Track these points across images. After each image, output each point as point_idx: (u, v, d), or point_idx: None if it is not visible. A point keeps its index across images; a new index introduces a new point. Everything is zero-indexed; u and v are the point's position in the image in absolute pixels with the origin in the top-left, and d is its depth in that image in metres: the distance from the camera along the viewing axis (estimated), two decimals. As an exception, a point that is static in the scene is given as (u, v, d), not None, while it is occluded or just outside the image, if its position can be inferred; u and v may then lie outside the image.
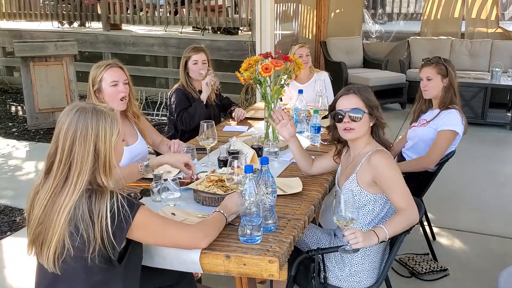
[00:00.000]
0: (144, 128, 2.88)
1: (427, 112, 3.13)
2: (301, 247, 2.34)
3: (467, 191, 4.40)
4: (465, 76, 6.52)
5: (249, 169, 1.87)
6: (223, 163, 2.54)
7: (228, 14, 7.66)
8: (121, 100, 2.64)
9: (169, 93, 3.66)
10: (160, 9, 8.14)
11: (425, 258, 3.18)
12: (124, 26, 8.80)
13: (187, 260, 1.77)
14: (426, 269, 3.06)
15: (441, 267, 3.10)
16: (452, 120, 2.94)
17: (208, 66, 3.60)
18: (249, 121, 3.67)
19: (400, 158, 3.21)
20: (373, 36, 8.80)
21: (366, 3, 9.15)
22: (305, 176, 2.49)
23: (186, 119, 3.45)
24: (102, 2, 8.27)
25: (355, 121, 2.12)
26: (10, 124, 6.68)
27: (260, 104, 4.36)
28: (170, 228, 1.68)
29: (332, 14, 8.34)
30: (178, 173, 2.44)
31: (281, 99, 3.48)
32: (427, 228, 3.35)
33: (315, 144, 3.01)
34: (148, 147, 2.95)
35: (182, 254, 1.77)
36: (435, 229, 3.56)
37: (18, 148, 5.68)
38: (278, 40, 6.63)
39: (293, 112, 3.33)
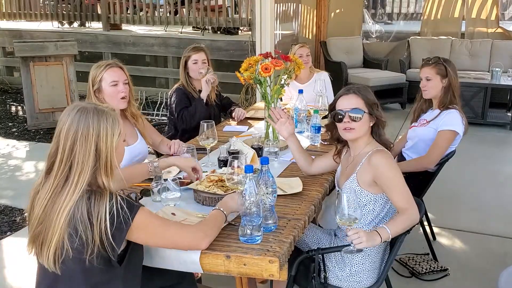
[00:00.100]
0: (144, 128, 2.88)
1: (427, 112, 3.13)
2: (301, 247, 2.34)
3: (467, 191, 4.40)
4: (465, 76, 6.52)
5: (249, 169, 1.87)
6: (223, 163, 2.54)
7: (228, 14, 7.66)
8: (121, 99, 2.64)
9: (169, 93, 3.66)
10: (160, 9, 8.14)
11: (425, 258, 3.18)
12: (124, 26, 8.80)
13: (187, 260, 1.77)
14: (426, 269, 3.06)
15: (441, 267, 3.10)
16: (452, 120, 2.94)
17: (208, 65, 3.60)
18: (249, 121, 3.67)
19: (400, 158, 3.21)
20: (373, 36, 8.80)
21: (366, 3, 9.15)
22: (305, 176, 2.49)
23: (186, 118, 3.45)
24: (102, 2, 8.28)
25: (355, 121, 2.12)
26: (10, 124, 6.68)
27: (260, 104, 4.36)
28: (170, 229, 1.67)
29: (332, 14, 8.34)
30: (178, 173, 2.44)
31: (281, 99, 3.48)
32: (427, 228, 3.35)
33: (315, 144, 3.01)
34: (148, 147, 2.95)
35: (182, 254, 1.77)
36: (435, 229, 3.56)
37: (18, 148, 5.68)
38: (278, 40, 6.63)
39: (293, 112, 3.33)
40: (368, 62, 7.86)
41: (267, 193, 1.91)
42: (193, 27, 8.63)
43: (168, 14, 7.99)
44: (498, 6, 7.89)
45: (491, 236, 3.58)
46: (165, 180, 2.13)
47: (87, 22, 8.97)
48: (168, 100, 3.63)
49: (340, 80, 7.00)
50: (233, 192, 2.12)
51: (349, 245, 1.91)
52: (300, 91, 3.36)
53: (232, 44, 7.22)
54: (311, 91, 3.74)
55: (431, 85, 3.03)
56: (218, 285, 2.68)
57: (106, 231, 1.48)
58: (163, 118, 6.39)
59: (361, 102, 2.13)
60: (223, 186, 2.21)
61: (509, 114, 6.73)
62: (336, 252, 2.17)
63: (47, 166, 1.58)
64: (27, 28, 8.74)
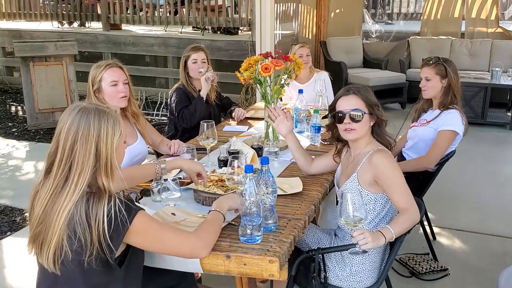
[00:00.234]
0: (143, 128, 2.88)
1: (427, 112, 3.13)
2: (302, 247, 2.34)
3: (467, 191, 4.40)
4: (465, 76, 6.52)
5: (249, 169, 1.87)
6: (223, 163, 2.54)
7: (228, 14, 7.66)
8: (121, 98, 2.64)
9: (169, 93, 3.66)
10: (160, 9, 8.14)
11: (425, 258, 3.18)
12: (124, 26, 8.81)
13: (188, 260, 1.77)
14: (426, 269, 3.06)
15: (441, 267, 3.10)
16: (453, 120, 2.94)
17: (208, 65, 3.61)
18: (249, 121, 3.68)
19: (400, 157, 3.21)
20: (373, 36, 8.81)
21: (366, 3, 9.15)
22: (306, 176, 2.49)
23: (186, 116, 3.45)
24: (102, 2, 8.28)
25: (355, 121, 2.12)
26: (10, 124, 6.68)
27: (260, 104, 4.36)
28: (169, 235, 1.63)
29: (332, 14, 8.34)
30: (178, 173, 2.44)
31: (281, 99, 3.48)
32: (427, 228, 3.35)
33: (315, 144, 3.01)
34: (148, 147, 2.95)
35: (182, 254, 1.76)
36: (435, 229, 3.56)
37: (18, 148, 5.68)
38: (278, 40, 6.63)
39: (293, 112, 3.33)
40: (368, 62, 7.86)
41: (267, 193, 1.91)
42: (193, 27, 8.63)
43: (168, 14, 7.99)
44: (498, 6, 7.89)
45: (491, 236, 3.58)
46: (165, 180, 2.12)
47: (87, 22, 8.97)
48: (168, 100, 3.64)
49: (340, 80, 7.00)
50: (232, 192, 2.12)
51: (353, 245, 1.90)
52: (300, 91, 3.36)
53: (232, 44, 7.22)
54: (311, 91, 3.74)
55: (431, 85, 3.03)
56: (218, 285, 2.68)
57: (104, 233, 1.47)
58: (163, 118, 6.39)
59: (361, 102, 2.13)
60: (223, 186, 2.21)
61: (509, 114, 6.73)
62: (336, 252, 2.17)
63: (47, 166, 1.57)
64: (27, 28, 8.74)
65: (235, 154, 2.44)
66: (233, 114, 3.71)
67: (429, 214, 3.45)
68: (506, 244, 3.48)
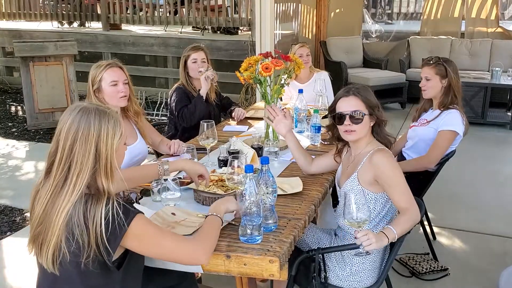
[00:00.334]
0: (143, 127, 2.88)
1: (428, 112, 3.13)
2: (302, 247, 2.34)
3: (467, 190, 4.40)
4: (465, 76, 6.52)
5: (249, 168, 1.87)
6: (223, 163, 2.54)
7: (228, 14, 7.66)
8: (121, 98, 2.64)
9: (169, 92, 3.66)
10: (160, 9, 8.14)
11: (426, 258, 3.18)
12: (124, 26, 8.81)
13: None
14: (426, 269, 3.06)
15: (442, 266, 3.10)
16: (453, 120, 2.94)
17: (208, 64, 3.61)
18: (249, 120, 3.67)
19: (400, 157, 3.21)
20: (373, 36, 8.81)
21: (366, 3, 9.16)
22: (306, 176, 2.49)
23: (186, 115, 3.45)
24: (102, 2, 8.28)
25: (356, 123, 2.12)
26: (10, 124, 6.68)
27: (260, 103, 4.36)
28: (168, 240, 1.60)
29: (332, 13, 8.34)
30: (178, 172, 2.43)
31: (281, 99, 3.48)
32: (427, 227, 3.35)
33: (315, 144, 3.00)
34: (148, 147, 2.95)
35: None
36: (435, 229, 3.56)
37: (18, 148, 5.68)
38: (278, 40, 6.63)
39: (293, 112, 3.33)
40: (368, 62, 7.86)
41: (267, 193, 1.91)
42: (193, 27, 8.63)
43: (168, 14, 7.99)
44: (498, 6, 7.89)
45: (491, 236, 3.58)
46: (165, 180, 2.12)
47: (86, 22, 8.97)
48: (168, 100, 3.64)
49: (340, 80, 7.00)
50: (232, 191, 2.12)
51: (353, 245, 1.89)
52: (300, 91, 3.36)
53: (232, 44, 7.22)
54: (311, 91, 3.74)
55: (430, 85, 3.03)
56: (218, 285, 2.68)
57: (101, 235, 1.46)
58: (163, 118, 6.39)
59: (361, 103, 2.13)
60: (223, 186, 2.21)
61: (509, 113, 6.73)
62: (336, 252, 2.17)
63: (47, 166, 1.57)
64: (26, 28, 8.74)
65: (235, 154, 2.44)
66: (233, 114, 3.71)
67: (429, 214, 3.45)
68: (506, 244, 3.47)
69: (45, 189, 1.53)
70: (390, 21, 10.26)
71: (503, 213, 3.94)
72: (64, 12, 8.78)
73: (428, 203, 2.76)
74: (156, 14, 8.08)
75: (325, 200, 2.59)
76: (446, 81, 3.00)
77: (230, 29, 7.85)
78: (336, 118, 2.18)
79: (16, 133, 6.25)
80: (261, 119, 3.57)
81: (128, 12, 8.28)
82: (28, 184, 4.53)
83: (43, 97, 6.24)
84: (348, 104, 2.14)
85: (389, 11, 10.50)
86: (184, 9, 7.94)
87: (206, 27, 8.16)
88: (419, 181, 2.99)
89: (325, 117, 3.13)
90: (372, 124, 2.17)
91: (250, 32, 7.21)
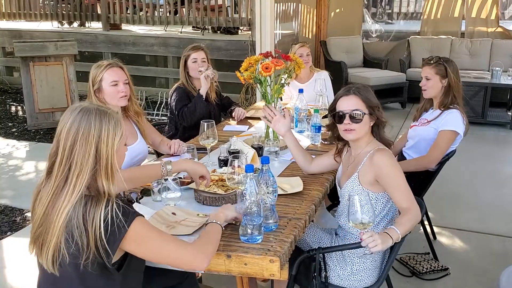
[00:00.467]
0: (144, 127, 2.88)
1: (428, 112, 3.13)
2: (302, 247, 2.33)
3: (467, 190, 4.40)
4: (465, 76, 6.51)
5: (249, 168, 1.87)
6: (223, 162, 2.54)
7: (228, 13, 7.66)
8: (121, 97, 2.64)
9: (169, 92, 3.66)
10: (160, 9, 8.14)
11: (426, 258, 3.18)
12: (124, 26, 8.80)
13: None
14: (427, 269, 3.06)
15: (442, 266, 3.10)
16: (453, 120, 2.94)
17: (208, 64, 3.61)
18: (249, 120, 3.68)
19: (401, 157, 3.21)
20: (373, 36, 8.80)
21: (366, 3, 9.15)
22: (306, 176, 2.49)
23: (186, 114, 3.45)
24: (102, 2, 8.27)
25: (355, 122, 2.12)
26: (10, 124, 6.68)
27: (260, 103, 4.36)
28: (168, 244, 1.58)
29: (332, 13, 8.34)
30: (179, 172, 2.43)
31: (281, 99, 3.48)
32: (427, 227, 3.35)
33: (316, 144, 3.01)
34: (148, 147, 2.95)
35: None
36: (435, 229, 3.55)
37: (18, 148, 5.68)
38: (278, 39, 6.63)
39: (294, 112, 3.33)
40: (368, 62, 7.86)
41: (268, 193, 1.91)
42: (193, 27, 8.63)
43: (168, 14, 7.98)
44: (498, 6, 7.89)
45: (491, 236, 3.58)
46: (166, 179, 2.12)
47: (87, 22, 8.97)
48: (169, 99, 3.64)
49: (340, 79, 7.00)
50: (233, 191, 2.12)
51: (353, 245, 1.88)
52: (300, 91, 3.36)
53: (232, 44, 7.22)
54: (311, 91, 3.74)
55: (430, 84, 3.03)
56: (218, 284, 2.68)
57: (100, 238, 1.45)
58: (163, 118, 6.39)
59: (361, 103, 2.13)
60: (223, 186, 2.21)
61: (509, 113, 6.73)
62: (336, 251, 2.17)
63: (48, 166, 1.56)
64: (27, 28, 8.74)
65: (235, 154, 2.44)
66: (233, 113, 3.71)
67: (429, 214, 3.45)
68: (506, 243, 3.47)
69: (46, 189, 1.53)
70: (390, 21, 10.26)
71: (504, 213, 3.94)
72: (64, 12, 8.78)
73: (428, 203, 2.76)
74: (156, 14, 8.08)
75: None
76: (446, 81, 3.00)
77: (230, 29, 7.84)
78: (336, 117, 2.18)
79: (16, 133, 6.25)
80: (261, 119, 3.57)
81: (128, 12, 8.28)
82: (28, 184, 4.53)
83: (43, 97, 6.24)
84: (348, 104, 2.14)
85: (389, 11, 10.50)
86: (184, 9, 7.94)
87: (206, 27, 8.16)
88: (419, 181, 2.99)
89: (325, 116, 3.13)
90: (372, 124, 2.17)
91: (250, 32, 7.21)
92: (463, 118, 2.96)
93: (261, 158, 1.97)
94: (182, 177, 2.35)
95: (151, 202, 2.20)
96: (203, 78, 3.45)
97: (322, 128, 2.99)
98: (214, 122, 2.70)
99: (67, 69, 6.29)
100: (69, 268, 1.50)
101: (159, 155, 3.11)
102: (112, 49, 8.00)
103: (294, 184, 2.34)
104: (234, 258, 1.75)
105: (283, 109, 2.62)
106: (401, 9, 10.33)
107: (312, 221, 2.50)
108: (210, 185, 2.21)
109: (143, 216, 1.58)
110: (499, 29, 7.89)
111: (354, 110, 2.12)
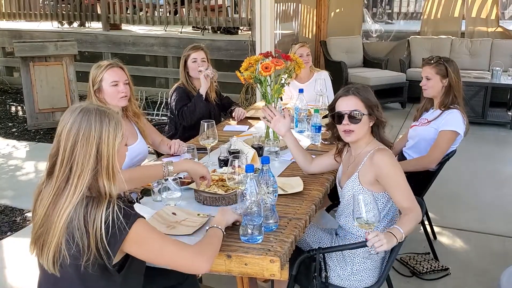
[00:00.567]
0: (144, 128, 2.88)
1: (429, 112, 3.13)
2: (303, 247, 2.33)
3: (467, 190, 4.40)
4: (466, 75, 6.50)
5: (250, 168, 1.87)
6: (223, 162, 2.54)
7: (228, 13, 7.66)
8: (121, 98, 2.64)
9: (169, 92, 3.66)
10: (160, 9, 8.14)
11: (426, 258, 3.18)
12: (124, 26, 8.80)
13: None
14: (427, 269, 3.06)
15: (442, 266, 3.10)
16: (454, 120, 2.94)
17: (208, 63, 3.60)
18: (249, 120, 3.67)
19: (401, 157, 3.21)
20: (373, 36, 8.80)
21: (366, 3, 9.15)
22: (306, 176, 2.49)
23: (186, 114, 3.45)
24: (102, 2, 8.27)
25: (354, 122, 2.12)
26: (10, 124, 6.68)
27: (260, 103, 4.35)
28: (168, 246, 1.57)
29: (332, 13, 8.34)
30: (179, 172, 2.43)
31: (281, 99, 3.48)
32: (428, 227, 3.35)
33: (316, 144, 3.00)
34: (148, 147, 2.95)
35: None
36: (436, 229, 3.55)
37: (18, 148, 5.67)
38: (278, 39, 6.63)
39: (294, 112, 3.33)
40: (368, 62, 7.86)
41: (268, 193, 1.91)
42: (193, 27, 8.63)
43: (168, 14, 7.98)
44: (498, 5, 7.89)
45: (492, 236, 3.58)
46: (166, 179, 2.12)
47: (87, 22, 8.97)
48: (169, 99, 3.64)
49: (340, 79, 7.00)
50: (233, 191, 2.12)
51: (353, 244, 1.88)
52: (301, 91, 3.36)
53: (232, 44, 7.22)
54: (311, 91, 3.74)
55: (431, 84, 3.03)
56: (219, 284, 2.68)
57: (101, 239, 1.45)
58: (163, 118, 6.39)
59: (360, 103, 2.13)
60: (223, 186, 2.21)
61: (509, 113, 6.73)
62: (337, 251, 2.17)
63: (49, 167, 1.56)
64: (26, 28, 8.74)
65: (235, 154, 2.44)
66: (233, 113, 3.71)
67: (429, 214, 3.45)
68: (506, 243, 3.47)
69: (47, 190, 1.53)
70: (390, 21, 10.26)
71: (504, 213, 3.94)
72: (64, 12, 8.78)
73: (428, 203, 2.76)
74: (156, 14, 8.08)
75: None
76: (447, 81, 2.99)
77: (230, 29, 7.84)
78: (335, 117, 2.18)
79: (16, 133, 6.24)
80: (261, 119, 3.57)
81: (128, 12, 8.28)
82: (28, 184, 4.53)
83: (43, 97, 6.24)
84: (347, 104, 2.14)
85: (389, 11, 10.49)
86: (184, 9, 7.94)
87: (206, 27, 8.16)
88: (419, 181, 2.99)
89: (325, 116, 3.13)
90: (371, 124, 2.17)
91: (250, 32, 7.21)
92: (464, 118, 2.96)
93: (261, 158, 1.97)
94: (182, 177, 2.34)
95: (151, 202, 2.20)
96: (203, 77, 3.46)
97: (322, 128, 2.99)
98: (214, 122, 2.70)
99: (67, 69, 6.29)
100: (70, 269, 1.50)
101: (159, 155, 3.11)
102: (112, 49, 7.99)
103: (295, 184, 2.34)
104: (235, 258, 1.74)
105: (283, 109, 2.62)
106: (401, 9, 10.32)
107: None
108: (210, 185, 2.21)
109: (144, 218, 1.57)
110: (499, 29, 7.89)
111: (353, 110, 2.12)
